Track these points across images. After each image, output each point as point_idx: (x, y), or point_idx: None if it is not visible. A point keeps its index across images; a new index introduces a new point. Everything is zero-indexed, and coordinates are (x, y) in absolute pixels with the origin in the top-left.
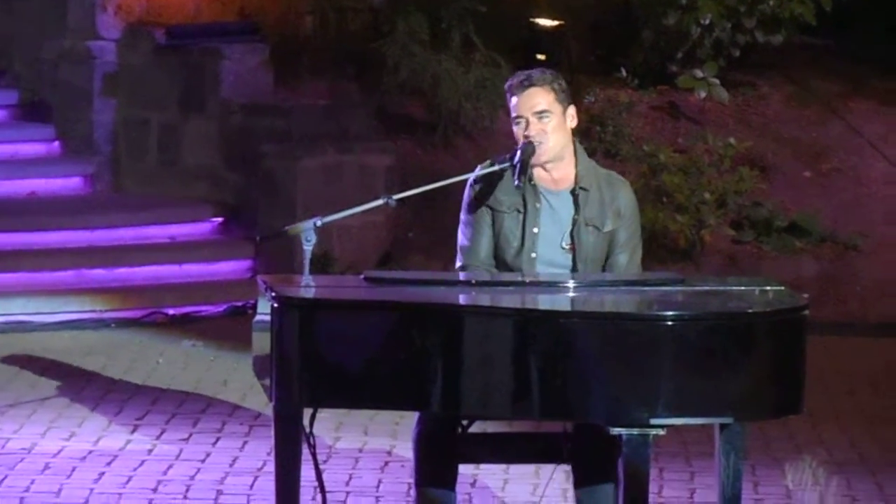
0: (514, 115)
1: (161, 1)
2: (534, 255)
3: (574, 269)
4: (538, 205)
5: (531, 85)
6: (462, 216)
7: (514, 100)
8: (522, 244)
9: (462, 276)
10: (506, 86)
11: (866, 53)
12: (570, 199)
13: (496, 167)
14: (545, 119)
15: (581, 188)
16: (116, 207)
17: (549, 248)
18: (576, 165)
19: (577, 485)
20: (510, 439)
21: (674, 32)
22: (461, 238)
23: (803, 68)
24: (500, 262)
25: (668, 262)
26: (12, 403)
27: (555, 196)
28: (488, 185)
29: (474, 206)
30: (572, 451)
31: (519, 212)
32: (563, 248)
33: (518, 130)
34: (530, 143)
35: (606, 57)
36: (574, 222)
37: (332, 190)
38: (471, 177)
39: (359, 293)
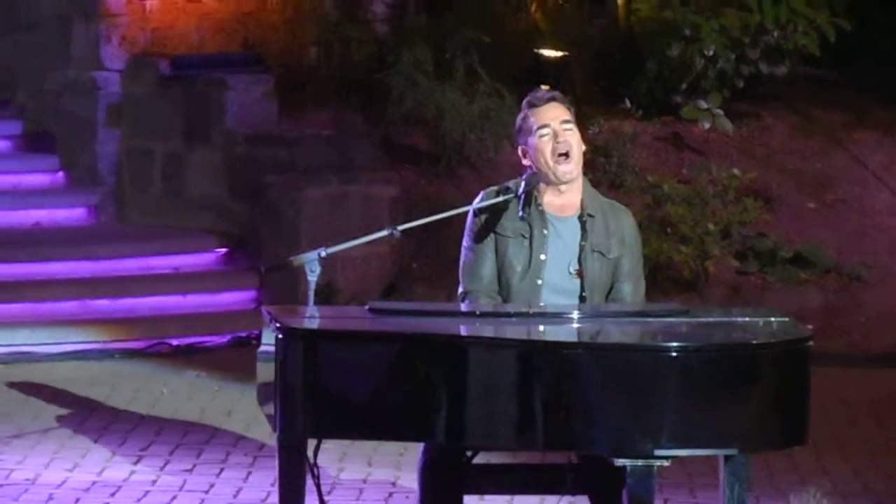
0: (538, 125)
1: (165, 32)
2: (540, 281)
3: (581, 293)
4: (545, 231)
5: (553, 99)
6: (465, 242)
7: (536, 111)
8: (528, 270)
9: (466, 306)
10: (523, 107)
11: (870, 84)
12: (578, 225)
13: (500, 198)
14: (570, 130)
15: (588, 214)
16: (120, 238)
17: (556, 274)
18: (582, 192)
19: None
20: (514, 470)
21: (678, 63)
22: (464, 263)
23: (807, 99)
24: (504, 288)
25: (672, 292)
26: (16, 434)
27: (561, 222)
28: (493, 211)
29: (478, 231)
30: (578, 482)
31: (524, 237)
32: (571, 274)
33: (544, 142)
34: (535, 173)
35: (610, 88)
36: (581, 248)
37: (336, 220)
38: (473, 205)
39: (363, 324)
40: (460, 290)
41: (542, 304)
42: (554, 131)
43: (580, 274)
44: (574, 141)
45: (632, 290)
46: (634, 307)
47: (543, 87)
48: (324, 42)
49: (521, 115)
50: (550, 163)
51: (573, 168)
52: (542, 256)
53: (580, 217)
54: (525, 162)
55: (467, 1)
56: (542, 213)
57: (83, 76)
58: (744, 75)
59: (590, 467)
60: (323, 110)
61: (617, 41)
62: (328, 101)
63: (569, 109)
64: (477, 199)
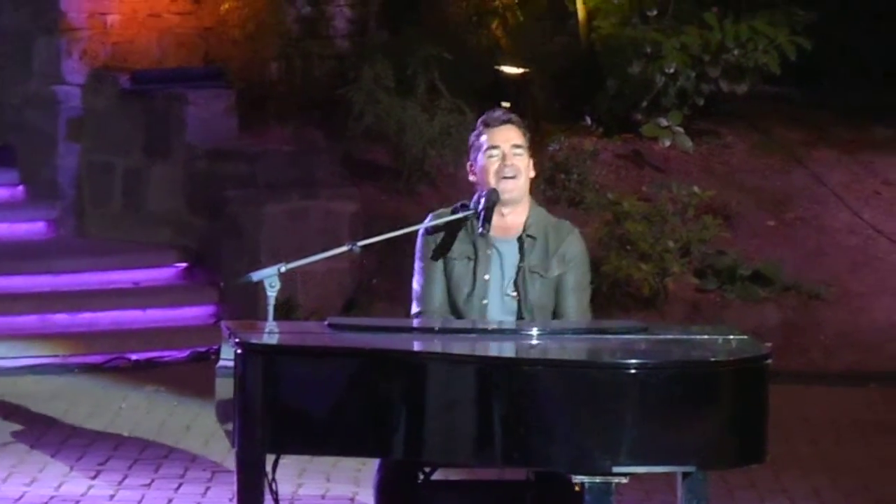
0: (488, 145)
1: (126, 46)
2: (485, 301)
3: (519, 316)
4: (489, 251)
5: (509, 122)
6: (416, 264)
7: (490, 131)
8: (473, 291)
9: (425, 322)
10: (478, 125)
11: (830, 102)
12: (517, 246)
13: (460, 215)
14: (519, 155)
15: (528, 236)
16: (80, 252)
17: (499, 295)
18: (527, 214)
19: None
20: (473, 487)
21: (638, 81)
22: (416, 286)
23: (767, 117)
24: (452, 309)
25: (631, 310)
26: None
27: (503, 243)
28: (439, 233)
29: (427, 254)
30: (537, 498)
31: (469, 259)
32: (509, 295)
33: (491, 162)
34: (494, 190)
35: (571, 105)
36: (519, 269)
37: (296, 236)
38: (424, 224)
39: (322, 339)
40: (413, 311)
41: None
42: (503, 154)
43: (516, 297)
44: (522, 166)
45: (575, 303)
46: (594, 325)
47: (504, 104)
48: (285, 57)
49: (475, 133)
50: (492, 181)
51: (514, 188)
52: (486, 277)
53: (519, 238)
54: (471, 178)
55: (429, 17)
56: (485, 234)
57: (44, 90)
58: (704, 93)
59: (547, 484)
60: (284, 125)
61: (578, 58)
62: (289, 117)
63: (524, 134)
64: (426, 222)
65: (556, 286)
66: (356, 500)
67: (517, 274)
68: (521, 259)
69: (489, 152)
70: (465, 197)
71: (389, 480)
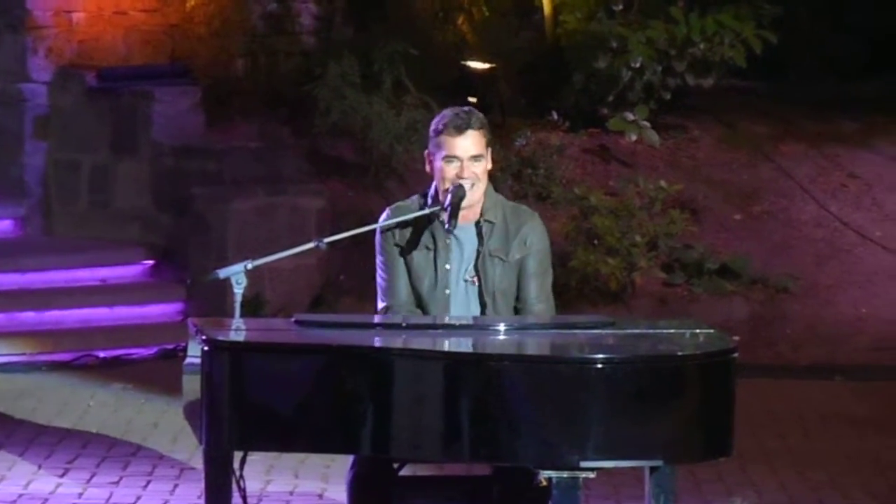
0: (446, 153)
1: (92, 44)
2: (447, 291)
3: (481, 300)
4: (448, 241)
5: (468, 128)
6: (377, 259)
7: (449, 139)
8: (436, 281)
9: (392, 318)
10: (438, 123)
11: (796, 96)
12: (475, 230)
13: (426, 211)
14: (478, 163)
15: (486, 220)
16: (47, 250)
17: (460, 283)
18: (484, 200)
19: None
20: (441, 482)
21: (604, 75)
22: (380, 280)
23: (734, 111)
24: (417, 300)
25: (599, 304)
26: None
27: (461, 230)
28: (397, 225)
29: (387, 247)
30: (502, 493)
31: (428, 249)
32: (467, 280)
33: (449, 169)
34: (461, 186)
35: (537, 100)
36: (478, 254)
37: (263, 232)
38: (382, 220)
39: (289, 336)
40: (380, 305)
41: (452, 313)
42: (461, 164)
43: (476, 280)
44: (479, 172)
45: (537, 287)
46: (560, 319)
47: (471, 99)
48: (251, 54)
49: (434, 128)
50: (449, 187)
51: (470, 197)
52: (447, 266)
53: (477, 223)
54: (427, 168)
55: (394, 13)
56: (443, 223)
57: (10, 88)
58: (670, 87)
59: (508, 479)
60: (250, 122)
61: (544, 53)
62: (255, 113)
63: (483, 137)
64: (383, 216)
65: (517, 270)
66: (325, 497)
67: (476, 258)
68: (480, 244)
69: (447, 159)
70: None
71: (364, 476)
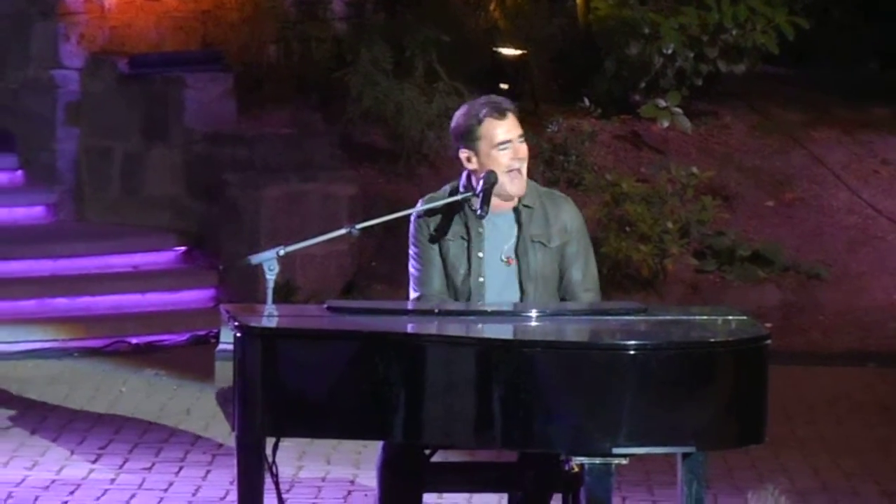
0: (500, 140)
1: (124, 30)
2: (482, 279)
3: (521, 286)
4: (481, 230)
5: (508, 110)
6: (411, 249)
7: (497, 125)
8: (469, 269)
9: (425, 305)
10: (474, 115)
11: (829, 83)
12: (513, 216)
13: (458, 197)
14: (524, 144)
15: (524, 206)
16: (79, 236)
17: (495, 269)
18: None
19: None
20: (473, 468)
21: (636, 62)
22: (413, 271)
23: (766, 98)
24: (451, 290)
25: (630, 291)
26: None
27: (499, 216)
28: (432, 216)
29: (420, 237)
30: (533, 479)
31: (463, 239)
32: (503, 261)
33: (504, 155)
34: (493, 171)
35: (569, 86)
36: (519, 239)
37: (295, 219)
38: (416, 209)
39: (321, 322)
40: (413, 296)
41: (487, 301)
42: (514, 147)
43: (510, 262)
44: (527, 155)
45: (581, 274)
46: (592, 305)
47: (503, 86)
48: (283, 40)
49: (473, 120)
50: (506, 179)
51: (524, 184)
52: (480, 254)
53: (516, 209)
54: (470, 166)
55: None
56: (475, 210)
57: (42, 74)
58: (702, 74)
59: (536, 464)
60: (282, 109)
61: (576, 40)
62: (287, 100)
63: (517, 118)
64: (417, 206)
65: (559, 257)
66: (356, 483)
67: (517, 243)
68: (520, 229)
69: (502, 146)
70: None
71: (393, 462)
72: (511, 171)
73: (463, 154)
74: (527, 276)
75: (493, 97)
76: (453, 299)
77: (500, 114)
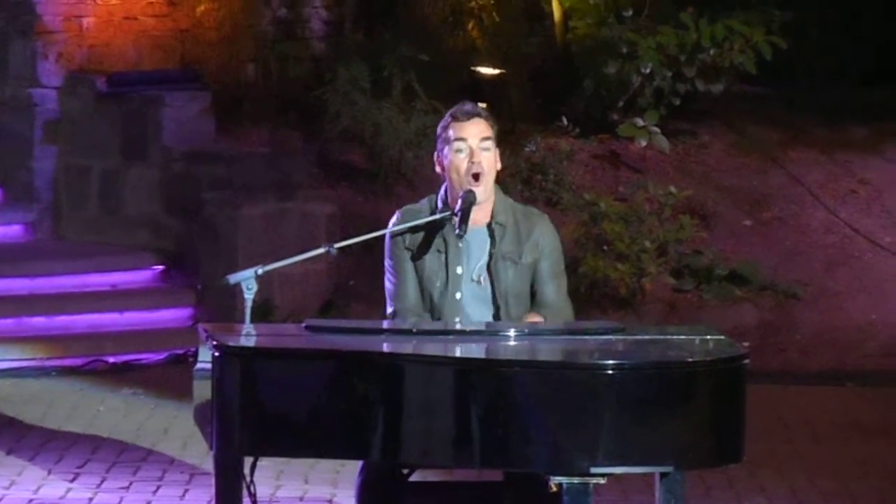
0: (455, 137)
1: (102, 49)
2: (458, 294)
3: (494, 303)
4: (460, 245)
5: (477, 115)
6: (386, 263)
7: (457, 125)
8: (446, 285)
9: (403, 324)
10: (445, 119)
11: (806, 102)
12: (487, 233)
13: (437, 216)
14: (487, 151)
15: (497, 223)
16: (57, 255)
17: (470, 286)
18: (494, 202)
19: None
20: (451, 488)
21: (614, 81)
22: (388, 285)
23: (744, 117)
24: (427, 304)
25: (608, 310)
26: None
27: (472, 234)
28: (408, 230)
29: (396, 251)
30: (513, 499)
31: (440, 252)
32: (474, 281)
33: (459, 158)
34: (471, 191)
35: (547, 105)
36: (491, 256)
37: (273, 238)
38: (392, 224)
39: (300, 342)
40: (388, 310)
41: (463, 317)
42: (470, 149)
43: (489, 282)
44: (487, 163)
45: (554, 289)
46: (570, 325)
47: (481, 105)
48: (261, 59)
49: (442, 124)
50: (463, 181)
51: (482, 191)
52: (459, 270)
53: (489, 225)
54: (437, 170)
55: (405, 18)
56: (454, 226)
57: (20, 93)
58: (680, 93)
59: (520, 484)
60: (260, 127)
61: (554, 59)
62: (265, 119)
63: (491, 127)
64: (394, 219)
65: (531, 273)
66: (334, 502)
67: (489, 260)
68: (493, 246)
69: (456, 145)
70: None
71: (373, 482)
72: (470, 176)
73: (436, 159)
74: (499, 294)
75: (470, 104)
76: (429, 314)
77: (466, 115)
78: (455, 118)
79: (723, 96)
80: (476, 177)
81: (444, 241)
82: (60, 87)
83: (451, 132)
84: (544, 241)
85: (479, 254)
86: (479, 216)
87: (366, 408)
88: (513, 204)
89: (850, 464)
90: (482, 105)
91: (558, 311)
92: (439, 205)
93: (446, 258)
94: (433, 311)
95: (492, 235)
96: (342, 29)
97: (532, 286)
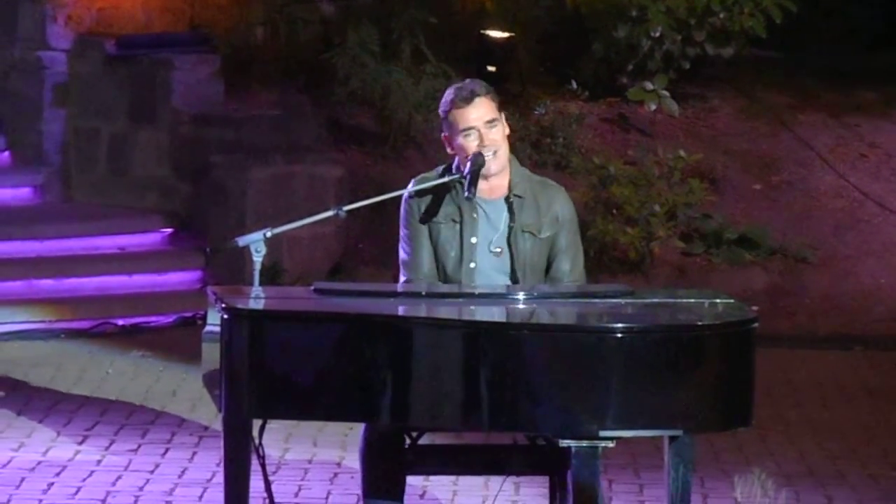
0: (462, 127)
1: (111, 11)
2: (472, 265)
3: (512, 275)
4: (475, 215)
5: (476, 96)
6: (401, 231)
7: (460, 113)
8: (462, 255)
9: (412, 287)
10: (445, 103)
11: (816, 66)
12: (505, 206)
13: (446, 179)
14: (495, 128)
15: (515, 195)
16: (66, 218)
17: (487, 256)
18: (510, 174)
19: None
20: (459, 451)
21: (624, 45)
22: (402, 254)
23: (753, 81)
24: (441, 274)
25: (617, 274)
26: None
27: (490, 205)
28: (423, 198)
29: (411, 220)
30: (523, 462)
31: (455, 222)
32: (492, 252)
33: (469, 143)
34: (480, 154)
35: (557, 69)
36: (510, 229)
37: (282, 201)
38: (408, 189)
39: (308, 304)
40: (401, 279)
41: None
42: (479, 133)
43: (508, 253)
44: (500, 138)
45: (569, 265)
46: (580, 288)
47: (490, 68)
48: (270, 22)
49: (442, 108)
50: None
51: (497, 165)
52: (473, 240)
53: (507, 199)
54: (449, 151)
55: None
56: (472, 198)
57: (29, 56)
58: (690, 57)
59: (536, 448)
60: (269, 90)
61: (563, 22)
62: (274, 82)
63: (493, 102)
64: (409, 187)
65: (549, 247)
66: (343, 465)
67: (508, 233)
68: (512, 219)
69: (464, 133)
70: (451, 161)
71: (375, 444)
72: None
73: (443, 137)
74: (518, 266)
75: (465, 82)
76: (443, 284)
77: (465, 100)
78: (455, 105)
79: (732, 60)
80: (493, 154)
81: (460, 210)
82: (69, 49)
83: (456, 120)
84: (563, 214)
85: (498, 225)
86: (497, 188)
87: (374, 371)
88: (530, 175)
89: (859, 427)
90: (487, 77)
91: (572, 283)
92: (452, 172)
93: (461, 227)
94: (447, 281)
95: (510, 208)
96: None
97: (549, 259)
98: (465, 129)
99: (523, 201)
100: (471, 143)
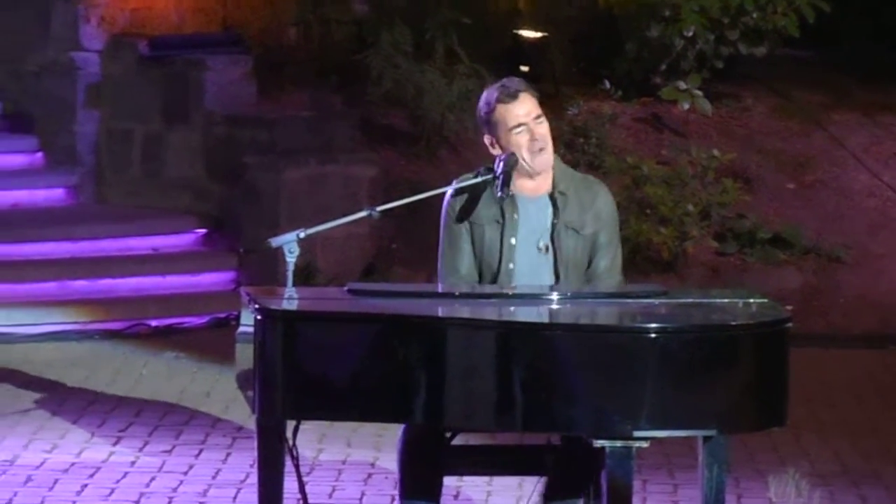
0: (512, 124)
1: (144, 12)
2: (511, 265)
3: (556, 272)
4: (516, 216)
5: (521, 92)
6: (441, 233)
7: (507, 109)
8: (500, 256)
9: (445, 287)
10: (488, 102)
11: (850, 65)
12: (549, 203)
13: (479, 179)
14: (543, 123)
15: (559, 192)
16: (99, 219)
17: (527, 255)
18: (554, 170)
19: (550, 496)
20: (493, 451)
21: (657, 44)
22: (442, 257)
23: (787, 80)
24: (484, 275)
25: (651, 274)
26: None
27: (533, 202)
28: (466, 198)
29: (453, 221)
30: (557, 463)
31: (498, 223)
32: (540, 249)
33: (521, 139)
34: (513, 154)
35: (590, 69)
36: (553, 226)
37: (315, 201)
38: (450, 189)
39: (342, 305)
40: (439, 281)
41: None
42: (529, 129)
43: (553, 250)
44: (547, 133)
45: (608, 263)
46: (613, 288)
47: (523, 68)
48: (303, 22)
49: (486, 107)
50: (527, 157)
51: (549, 158)
52: (513, 241)
53: (551, 195)
54: (494, 152)
55: None
56: (513, 196)
57: (62, 57)
58: (723, 56)
59: (570, 449)
60: (302, 91)
61: (596, 22)
62: (307, 82)
63: (535, 97)
64: (450, 192)
65: (591, 244)
66: (377, 466)
67: (552, 230)
68: (556, 216)
69: (515, 130)
70: (486, 161)
71: (415, 444)
72: (535, 154)
73: (486, 139)
74: (561, 263)
75: (506, 80)
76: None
77: (511, 97)
78: (501, 101)
79: (765, 59)
80: (541, 151)
81: (502, 211)
82: (102, 50)
83: (504, 118)
84: (606, 212)
85: (542, 223)
86: (541, 185)
87: (409, 371)
88: (572, 172)
89: (893, 426)
90: (521, 77)
91: (609, 284)
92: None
93: (503, 229)
94: (489, 282)
95: (554, 205)
96: None
97: (589, 257)
98: (514, 126)
99: (567, 198)
100: (523, 139)
